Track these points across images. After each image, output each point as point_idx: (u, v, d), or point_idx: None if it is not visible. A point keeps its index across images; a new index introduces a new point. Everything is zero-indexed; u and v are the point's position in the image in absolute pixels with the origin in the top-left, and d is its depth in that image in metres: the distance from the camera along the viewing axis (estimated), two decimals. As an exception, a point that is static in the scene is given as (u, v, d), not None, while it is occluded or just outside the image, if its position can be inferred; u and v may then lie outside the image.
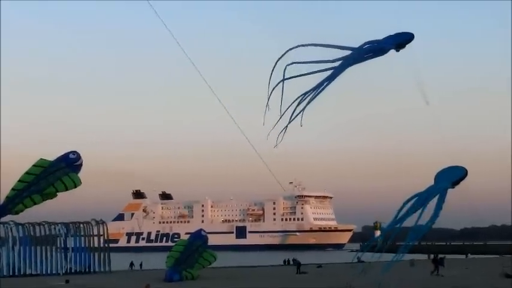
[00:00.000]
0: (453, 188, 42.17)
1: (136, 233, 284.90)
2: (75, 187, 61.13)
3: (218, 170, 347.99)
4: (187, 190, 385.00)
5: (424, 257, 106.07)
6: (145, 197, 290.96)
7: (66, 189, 61.08)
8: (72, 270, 77.07)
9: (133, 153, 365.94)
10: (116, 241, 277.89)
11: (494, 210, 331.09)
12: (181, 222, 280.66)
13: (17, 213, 64.47)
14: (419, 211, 42.53)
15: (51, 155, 64.58)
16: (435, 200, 42.23)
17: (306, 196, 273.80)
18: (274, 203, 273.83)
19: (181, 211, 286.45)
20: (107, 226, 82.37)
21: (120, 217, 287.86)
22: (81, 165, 62.28)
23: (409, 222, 45.14)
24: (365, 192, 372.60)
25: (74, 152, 62.57)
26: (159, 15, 43.72)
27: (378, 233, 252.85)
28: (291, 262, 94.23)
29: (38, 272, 75.62)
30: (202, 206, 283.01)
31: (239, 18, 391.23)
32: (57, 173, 61.08)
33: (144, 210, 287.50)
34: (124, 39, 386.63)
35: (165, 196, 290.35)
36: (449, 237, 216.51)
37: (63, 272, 76.32)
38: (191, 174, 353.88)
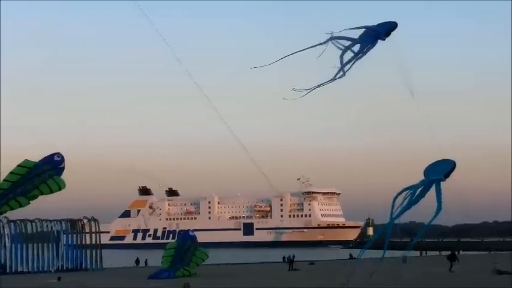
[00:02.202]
0: (444, 180, 41.90)
1: (142, 229, 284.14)
2: (60, 190, 60.60)
3: (225, 166, 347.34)
4: (194, 186, 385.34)
5: (416, 253, 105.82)
6: (152, 194, 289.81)
7: (51, 192, 60.54)
8: (64, 268, 76.64)
9: (139, 150, 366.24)
10: (122, 238, 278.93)
11: (486, 207, 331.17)
12: (188, 219, 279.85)
13: (0, 213, 64.08)
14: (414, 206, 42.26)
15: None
16: (431, 194, 41.97)
17: (314, 192, 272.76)
18: (281, 200, 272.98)
19: (188, 208, 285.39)
20: (98, 223, 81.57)
21: (126, 214, 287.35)
22: (64, 167, 61.63)
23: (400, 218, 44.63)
24: (368, 189, 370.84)
25: (58, 154, 61.99)
26: (148, 17, 43.11)
27: (370, 229, 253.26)
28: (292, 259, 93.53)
29: (30, 270, 75.20)
30: (209, 202, 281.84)
31: (228, 17, 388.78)
32: (43, 175, 60.54)
33: (151, 207, 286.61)
34: (120, 40, 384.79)
35: (172, 192, 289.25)
36: (440, 234, 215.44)
37: (55, 269, 75.92)
38: (198, 170, 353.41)
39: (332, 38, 35.55)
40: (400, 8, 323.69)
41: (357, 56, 36.57)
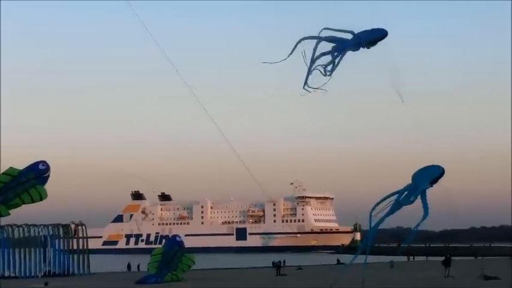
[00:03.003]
0: (431, 186, 41.68)
1: (135, 234, 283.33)
2: (41, 200, 59.21)
3: (218, 171, 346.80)
4: (187, 191, 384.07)
5: (403, 258, 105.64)
6: (145, 198, 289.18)
7: (32, 202, 59.14)
8: (51, 273, 76.38)
9: (131, 154, 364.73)
10: (115, 243, 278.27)
11: (473, 212, 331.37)
12: (180, 223, 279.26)
13: None
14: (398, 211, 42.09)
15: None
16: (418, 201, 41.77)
17: (307, 197, 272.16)
18: (274, 204, 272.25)
19: (181, 212, 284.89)
20: (86, 228, 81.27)
21: (119, 218, 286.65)
22: (48, 176, 60.14)
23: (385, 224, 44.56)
24: (362, 193, 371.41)
25: (43, 163, 60.33)
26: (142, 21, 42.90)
27: (358, 235, 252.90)
28: (282, 264, 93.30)
29: (17, 275, 74.95)
30: (202, 207, 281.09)
31: (219, 17, 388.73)
32: (25, 184, 59.02)
33: (143, 212, 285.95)
34: (118, 40, 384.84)
35: (165, 197, 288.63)
36: (427, 239, 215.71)
37: (42, 274, 75.69)
38: (190, 174, 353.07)
39: (308, 38, 34.97)
40: (391, 8, 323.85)
41: (330, 68, 35.88)
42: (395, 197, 41.60)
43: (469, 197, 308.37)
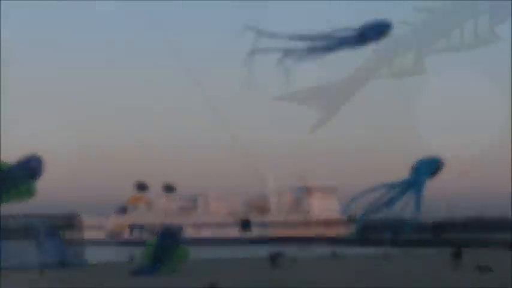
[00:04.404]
0: (431, 178, 41.44)
1: (139, 225, 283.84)
2: (30, 197, 58.31)
3: (222, 161, 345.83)
4: (191, 182, 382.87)
5: (396, 250, 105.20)
6: (149, 189, 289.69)
7: (21, 199, 58.30)
8: (47, 264, 76.09)
9: (135, 144, 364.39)
10: (119, 234, 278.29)
11: (468, 203, 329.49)
12: (185, 214, 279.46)
13: None
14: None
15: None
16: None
17: (312, 188, 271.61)
18: (279, 195, 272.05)
19: (185, 203, 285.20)
20: (81, 219, 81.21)
21: (122, 209, 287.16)
22: (40, 173, 58.75)
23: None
24: (366, 184, 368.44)
25: (35, 159, 59.28)
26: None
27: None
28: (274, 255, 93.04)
29: (11, 266, 74.59)
30: (206, 198, 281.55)
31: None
32: (15, 180, 57.84)
33: (147, 203, 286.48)
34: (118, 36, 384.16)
35: (169, 188, 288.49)
36: (421, 230, 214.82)
37: (37, 265, 75.35)
38: (195, 165, 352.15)
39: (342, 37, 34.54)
40: (391, 8, 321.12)
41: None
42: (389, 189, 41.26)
43: (463, 187, 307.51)
